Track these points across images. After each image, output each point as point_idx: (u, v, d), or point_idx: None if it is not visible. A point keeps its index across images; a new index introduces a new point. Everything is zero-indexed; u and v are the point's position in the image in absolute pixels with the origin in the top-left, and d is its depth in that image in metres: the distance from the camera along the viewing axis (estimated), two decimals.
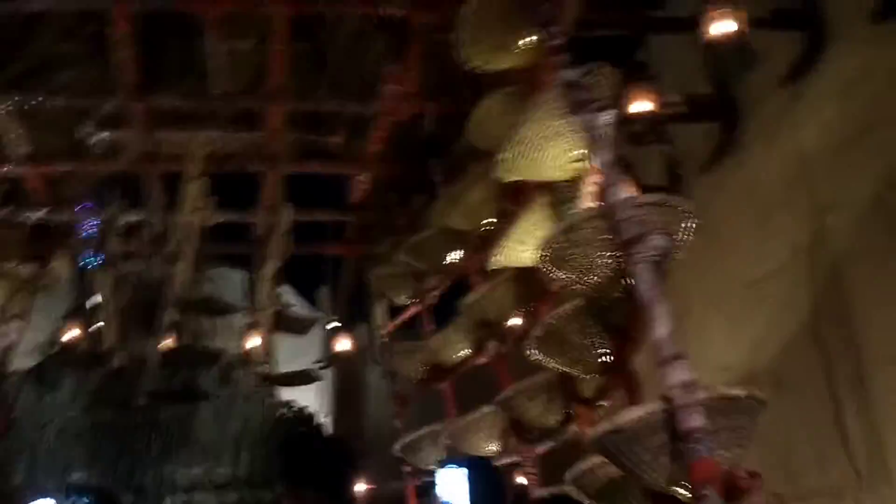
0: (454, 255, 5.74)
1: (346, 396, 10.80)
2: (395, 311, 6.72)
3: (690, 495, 2.75)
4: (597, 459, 3.69)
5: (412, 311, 6.35)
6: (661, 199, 3.06)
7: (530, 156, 3.55)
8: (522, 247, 4.14)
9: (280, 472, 6.40)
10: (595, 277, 3.28)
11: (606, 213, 2.97)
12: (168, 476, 6.67)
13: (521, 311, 4.90)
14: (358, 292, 7.06)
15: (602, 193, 3.04)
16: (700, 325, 5.70)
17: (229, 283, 7.87)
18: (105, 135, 5.93)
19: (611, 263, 3.21)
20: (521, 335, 4.91)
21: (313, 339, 8.01)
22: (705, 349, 5.51)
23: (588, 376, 4.00)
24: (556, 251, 3.28)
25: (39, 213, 6.27)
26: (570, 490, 3.88)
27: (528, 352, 4.12)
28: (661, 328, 2.70)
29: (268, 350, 5.12)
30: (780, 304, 5.37)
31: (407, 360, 6.15)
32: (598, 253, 3.19)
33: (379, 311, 6.56)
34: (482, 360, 5.47)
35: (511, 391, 4.73)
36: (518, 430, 4.90)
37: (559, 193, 3.90)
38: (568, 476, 3.69)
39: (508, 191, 4.83)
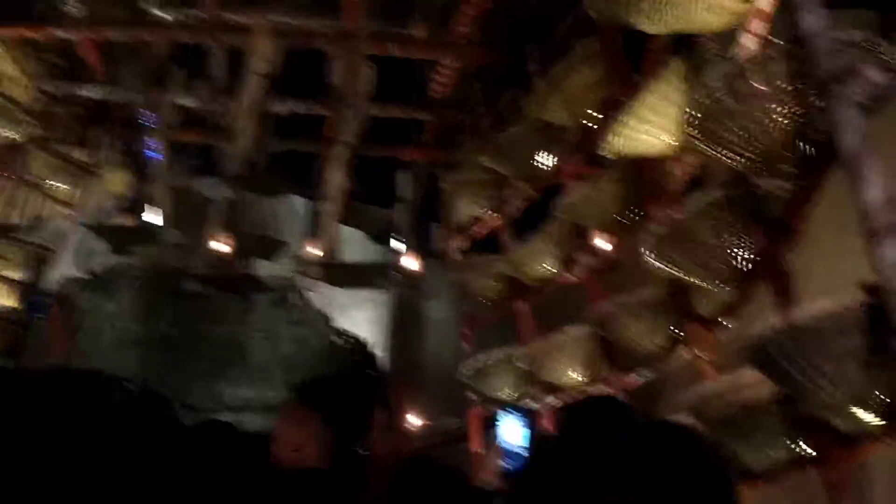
0: (546, 158, 5.02)
1: (405, 328, 10.28)
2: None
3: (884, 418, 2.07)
4: (724, 384, 3.01)
5: (491, 223, 5.68)
6: (867, 37, 2.30)
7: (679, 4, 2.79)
8: (646, 127, 3.41)
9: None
10: (755, 150, 2.56)
11: (799, 45, 2.22)
12: (217, 394, 6.43)
13: (628, 218, 4.18)
14: (430, 207, 6.39)
15: (795, 27, 2.29)
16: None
17: (291, 211, 7.34)
18: (169, 13, 5.34)
19: (781, 125, 2.48)
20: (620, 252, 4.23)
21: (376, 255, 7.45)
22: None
23: (716, 286, 3.30)
24: (709, 113, 2.57)
25: (96, 92, 5.75)
26: (684, 419, 3.22)
27: (644, 255, 3.43)
28: (872, 190, 1.98)
29: (332, 246, 4.54)
30: None
31: (481, 276, 5.50)
32: (769, 111, 2.46)
33: (453, 223, 5.91)
34: (571, 278, 4.79)
35: (610, 305, 4.06)
36: (612, 355, 4.23)
37: (698, 55, 3.15)
38: (684, 401, 3.02)
39: (621, 71, 4.09)
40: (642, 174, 3.87)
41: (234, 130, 4.85)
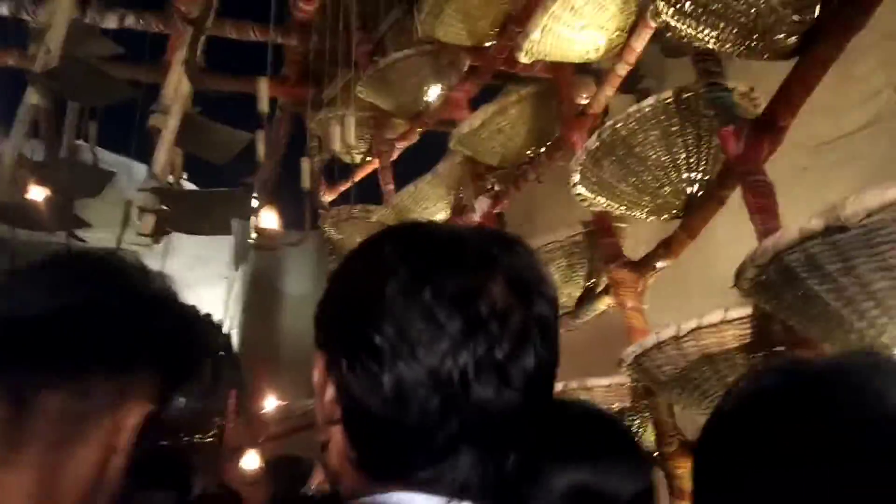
0: (435, 87, 4.29)
1: (261, 303, 9.29)
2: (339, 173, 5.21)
3: None
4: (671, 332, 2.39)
5: (366, 169, 4.89)
6: None
7: None
8: (582, 22, 2.74)
9: None
10: (746, 13, 1.94)
11: None
12: None
13: (539, 147, 3.52)
14: (293, 154, 5.47)
15: None
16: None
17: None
18: None
19: None
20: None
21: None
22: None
23: (666, 218, 2.69)
24: None
25: None
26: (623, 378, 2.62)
27: (571, 184, 2.77)
28: None
29: (175, 175, 3.56)
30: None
31: (358, 230, 4.71)
32: None
33: (311, 170, 5.04)
34: (463, 223, 4.09)
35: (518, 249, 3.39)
36: None
37: None
38: (625, 358, 2.40)
39: None
40: (560, 91, 3.22)
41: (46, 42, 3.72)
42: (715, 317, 2.09)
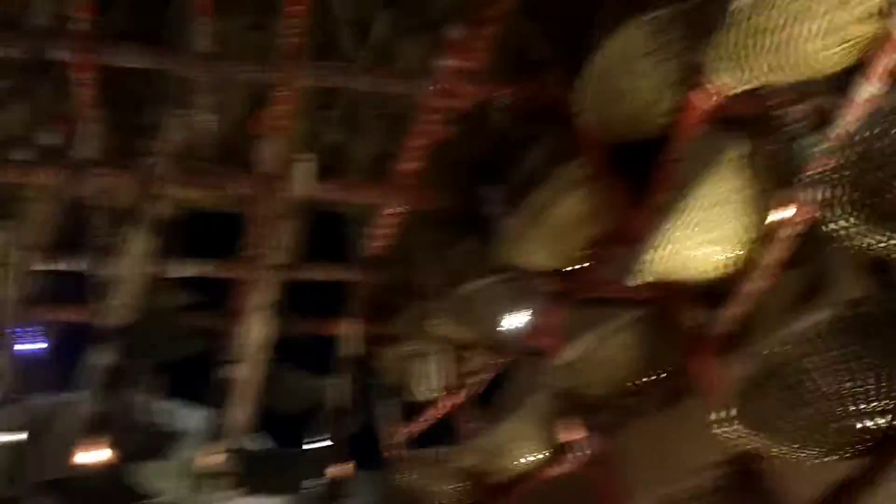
0: (518, 316, 4.01)
1: None
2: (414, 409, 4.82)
3: None
4: None
5: (447, 405, 4.49)
6: None
7: (775, 43, 1.95)
8: (699, 238, 2.48)
9: None
10: None
11: None
12: None
13: (653, 377, 3.14)
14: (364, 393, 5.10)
15: None
16: None
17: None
18: None
19: None
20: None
21: None
22: None
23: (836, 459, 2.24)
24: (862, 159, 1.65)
25: None
26: None
27: (712, 423, 2.36)
28: None
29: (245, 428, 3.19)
30: None
31: (439, 475, 4.22)
32: None
33: (393, 409, 4.68)
34: (566, 467, 3.60)
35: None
36: None
37: (775, 128, 2.32)
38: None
39: (621, 195, 3.25)
40: (674, 313, 2.90)
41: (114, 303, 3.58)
42: None
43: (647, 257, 2.53)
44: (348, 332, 4.34)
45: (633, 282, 2.65)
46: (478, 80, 3.66)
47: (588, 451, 3.43)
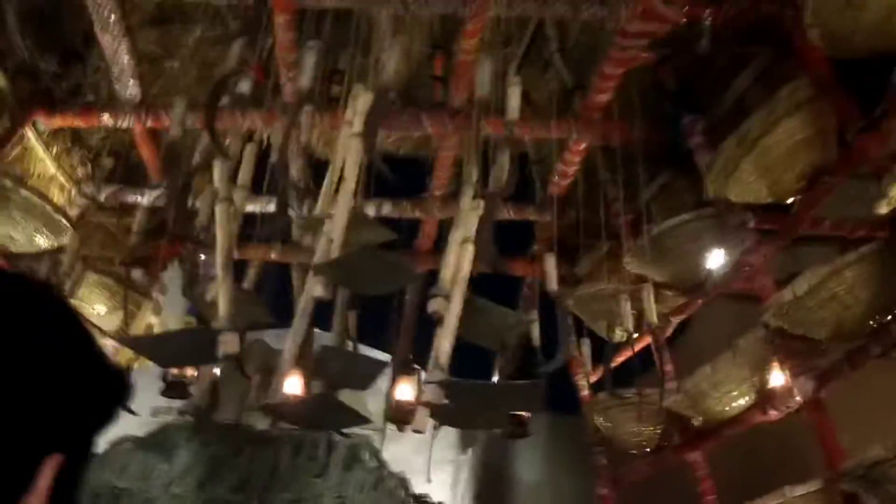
0: (719, 253, 3.79)
1: (492, 492, 8.70)
2: (602, 351, 4.71)
3: None
4: None
5: (632, 349, 4.36)
6: None
7: None
8: None
9: None
10: None
11: None
12: None
13: (882, 321, 2.85)
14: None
15: None
16: None
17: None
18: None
19: None
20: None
21: None
22: None
23: None
24: None
25: (154, 195, 4.80)
26: None
27: None
28: None
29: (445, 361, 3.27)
30: None
31: (637, 417, 4.13)
32: None
33: (583, 350, 4.60)
34: (776, 414, 3.38)
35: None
36: None
37: None
38: None
39: (853, 116, 2.92)
40: None
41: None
42: None
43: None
44: (539, 272, 4.26)
45: (883, 210, 2.39)
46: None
47: (802, 399, 3.20)
